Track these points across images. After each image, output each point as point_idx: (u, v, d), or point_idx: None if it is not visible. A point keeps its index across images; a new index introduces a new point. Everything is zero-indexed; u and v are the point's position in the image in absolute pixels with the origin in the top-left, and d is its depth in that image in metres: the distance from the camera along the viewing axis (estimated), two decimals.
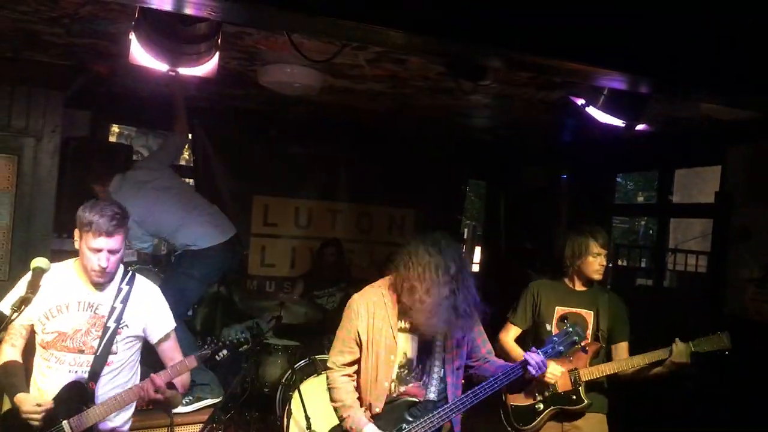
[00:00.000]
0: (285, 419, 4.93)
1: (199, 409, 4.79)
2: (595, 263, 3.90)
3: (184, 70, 2.89)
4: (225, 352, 3.24)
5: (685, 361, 3.67)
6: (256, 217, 7.21)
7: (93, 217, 2.95)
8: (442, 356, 3.12)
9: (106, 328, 3.04)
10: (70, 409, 2.97)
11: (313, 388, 4.99)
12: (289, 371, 5.31)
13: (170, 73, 2.86)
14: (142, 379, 3.25)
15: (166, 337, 3.26)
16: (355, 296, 3.24)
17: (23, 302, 2.81)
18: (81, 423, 2.97)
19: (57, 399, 2.99)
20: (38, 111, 4.96)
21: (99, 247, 2.97)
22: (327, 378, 3.24)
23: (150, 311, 3.21)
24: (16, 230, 4.91)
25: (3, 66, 4.81)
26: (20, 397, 2.95)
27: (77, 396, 3.00)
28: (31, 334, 3.12)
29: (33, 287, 2.86)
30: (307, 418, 4.81)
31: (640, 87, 3.01)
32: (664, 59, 2.77)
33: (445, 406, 3.06)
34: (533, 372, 3.10)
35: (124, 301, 3.10)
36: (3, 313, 2.98)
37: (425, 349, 3.12)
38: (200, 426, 4.62)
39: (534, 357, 3.11)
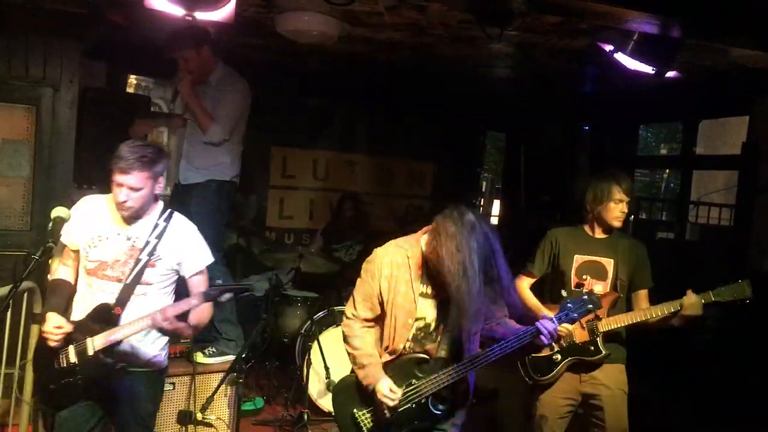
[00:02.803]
0: (305, 369, 4.98)
1: (220, 363, 4.83)
2: (617, 210, 3.81)
3: (201, 15, 2.82)
4: (228, 295, 3.27)
5: (698, 313, 3.60)
6: (275, 169, 7.21)
7: (121, 152, 3.02)
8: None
9: (138, 261, 3.14)
10: (94, 329, 3.09)
11: (332, 339, 5.04)
12: (309, 322, 5.35)
13: (186, 18, 2.79)
14: None
15: (200, 273, 3.35)
16: (379, 252, 3.10)
17: (45, 252, 2.85)
18: (100, 342, 3.07)
19: (88, 317, 3.11)
20: (55, 61, 4.92)
21: (119, 182, 3.03)
22: (345, 327, 3.15)
23: (185, 247, 3.28)
24: (36, 181, 4.93)
25: (19, 15, 4.75)
26: (48, 315, 3.07)
27: (102, 317, 3.10)
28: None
29: (54, 236, 2.91)
30: (327, 368, 4.86)
31: (672, 30, 2.90)
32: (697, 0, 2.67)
33: (456, 365, 2.98)
34: (545, 341, 3.01)
35: (159, 237, 3.18)
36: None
37: (444, 316, 3.03)
38: (221, 375, 4.67)
39: (547, 325, 3.00)
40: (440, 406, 3.01)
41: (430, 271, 2.97)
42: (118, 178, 3.03)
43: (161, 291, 3.26)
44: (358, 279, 3.16)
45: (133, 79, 9.70)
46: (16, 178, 4.94)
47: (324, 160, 7.39)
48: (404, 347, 3.05)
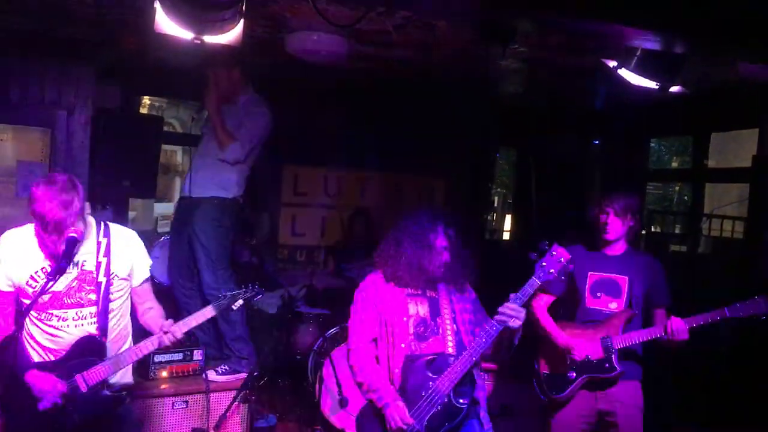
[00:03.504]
0: (317, 386, 5.00)
1: (233, 380, 4.86)
2: (599, 220, 3.85)
3: (209, 39, 2.89)
4: (240, 302, 3.33)
5: (684, 338, 3.61)
6: (286, 187, 7.27)
7: (43, 209, 2.85)
8: (452, 315, 3.28)
9: (98, 284, 3.09)
10: (82, 363, 3.04)
11: (344, 355, 5.03)
12: (321, 339, 5.37)
13: (195, 41, 2.85)
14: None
15: (146, 279, 3.34)
16: (365, 279, 3.45)
17: (58, 272, 2.88)
18: (93, 377, 3.03)
19: (69, 354, 3.05)
20: (70, 84, 5.03)
21: (50, 239, 2.92)
22: (350, 361, 3.35)
23: (133, 256, 3.26)
24: None
25: (35, 40, 4.87)
26: (35, 375, 2.97)
27: (89, 351, 3.06)
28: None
29: (69, 258, 2.91)
30: (339, 385, 4.87)
31: (674, 47, 2.92)
32: (700, 16, 2.68)
33: (462, 354, 3.12)
34: (513, 325, 3.08)
35: (107, 254, 3.13)
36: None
37: (435, 310, 3.29)
38: (234, 392, 4.70)
39: (505, 311, 3.09)
40: (461, 400, 3.10)
41: (408, 280, 3.30)
42: (46, 234, 2.89)
43: (123, 304, 3.25)
44: (351, 313, 3.39)
45: (147, 99, 9.85)
46: None
47: (335, 177, 7.45)
48: (411, 347, 3.21)
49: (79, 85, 5.07)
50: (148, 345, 3.17)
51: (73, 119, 5.03)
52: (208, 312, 3.29)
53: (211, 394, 4.62)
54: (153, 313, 3.34)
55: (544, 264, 3.16)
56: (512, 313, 3.07)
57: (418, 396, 3.09)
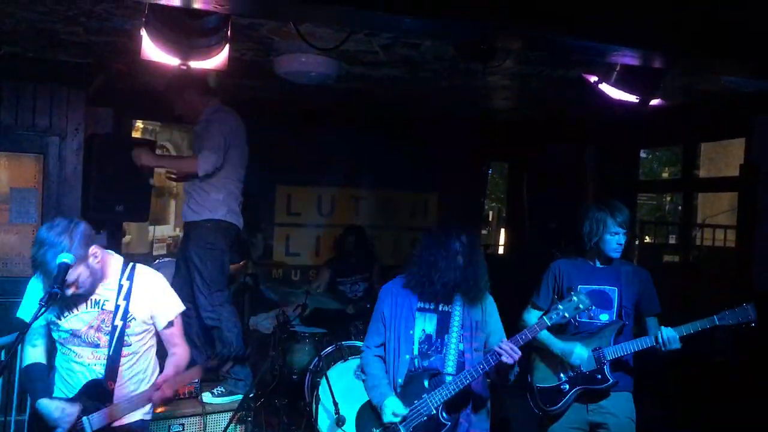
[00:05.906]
0: (314, 405, 5.00)
1: (229, 402, 4.85)
2: (613, 242, 3.83)
3: (195, 64, 2.93)
4: (231, 363, 3.33)
5: (676, 347, 3.63)
6: (280, 207, 7.30)
7: (42, 259, 2.93)
8: (459, 333, 3.39)
9: (113, 327, 3.07)
10: (89, 406, 3.03)
11: (340, 374, 5.05)
12: (317, 358, 5.37)
13: (181, 67, 2.89)
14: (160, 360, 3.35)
15: (170, 324, 3.27)
16: (385, 285, 3.66)
17: (51, 297, 2.80)
18: (99, 420, 3.02)
19: (77, 396, 3.05)
20: (61, 110, 5.06)
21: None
22: (361, 358, 3.68)
23: (154, 300, 3.21)
24: None
25: (25, 66, 4.91)
26: (44, 403, 2.98)
27: (96, 394, 3.05)
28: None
29: (59, 282, 2.84)
30: (335, 403, 4.87)
31: (653, 62, 2.97)
32: (677, 32, 2.72)
33: (457, 376, 3.29)
34: (508, 360, 3.21)
35: (127, 298, 3.11)
36: (24, 320, 3.01)
37: (443, 326, 3.42)
38: (231, 414, 4.69)
39: (504, 345, 3.22)
40: (445, 415, 3.29)
41: (424, 288, 3.41)
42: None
43: (143, 347, 3.22)
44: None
45: (140, 123, 9.88)
46: (25, 226, 5.04)
47: (329, 196, 7.48)
48: (414, 363, 3.40)
49: (71, 110, 5.10)
50: (140, 402, 3.14)
51: (65, 145, 5.06)
52: (197, 372, 3.45)
53: (208, 416, 4.62)
54: (170, 360, 3.30)
55: (560, 307, 3.33)
56: (509, 351, 3.20)
57: (411, 404, 3.31)
